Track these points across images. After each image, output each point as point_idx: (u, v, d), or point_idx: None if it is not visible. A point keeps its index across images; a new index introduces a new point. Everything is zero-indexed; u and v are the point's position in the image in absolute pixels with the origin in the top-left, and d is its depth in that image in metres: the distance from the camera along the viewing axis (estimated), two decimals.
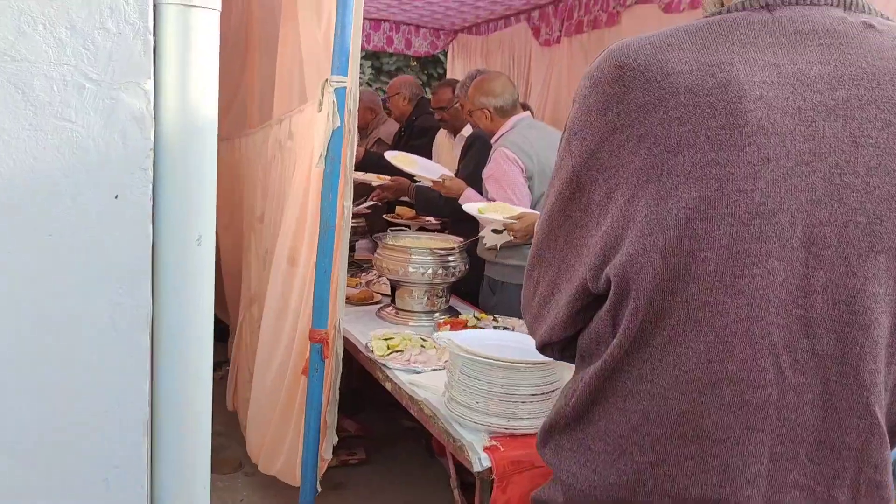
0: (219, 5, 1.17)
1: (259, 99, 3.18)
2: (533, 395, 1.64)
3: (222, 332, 3.73)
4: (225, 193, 3.46)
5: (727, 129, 0.75)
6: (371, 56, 8.87)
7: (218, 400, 3.58)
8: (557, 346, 0.93)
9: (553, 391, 1.67)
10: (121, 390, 1.08)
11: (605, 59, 0.82)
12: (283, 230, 2.36)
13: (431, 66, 9.45)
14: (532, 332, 0.96)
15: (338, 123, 2.05)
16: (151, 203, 1.11)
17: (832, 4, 0.82)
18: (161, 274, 1.15)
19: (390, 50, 6.71)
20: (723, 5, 0.91)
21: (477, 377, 1.65)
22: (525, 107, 4.76)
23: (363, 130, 4.50)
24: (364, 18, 6.17)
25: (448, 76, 7.18)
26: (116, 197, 1.06)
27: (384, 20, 6.29)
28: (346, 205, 2.17)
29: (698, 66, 0.77)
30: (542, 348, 0.95)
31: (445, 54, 7.23)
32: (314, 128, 2.19)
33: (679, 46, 0.79)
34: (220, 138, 3.38)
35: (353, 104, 2.13)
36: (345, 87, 2.06)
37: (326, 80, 2.06)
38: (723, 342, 0.77)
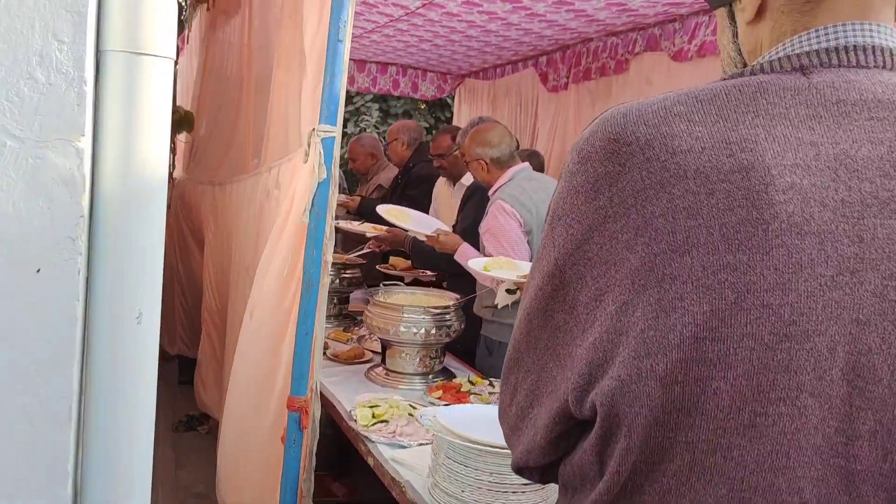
0: (173, 53, 1.04)
1: (253, 144, 3.08)
2: (525, 484, 1.47)
3: (191, 373, 3.58)
4: (219, 243, 3.35)
5: (749, 225, 0.60)
6: (378, 99, 8.84)
7: (204, 456, 3.42)
8: (536, 471, 0.77)
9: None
10: (34, 497, 0.93)
11: (598, 129, 0.67)
12: (255, 283, 2.23)
13: (439, 109, 9.41)
14: (509, 445, 0.80)
15: (324, 175, 1.93)
16: (83, 277, 0.97)
17: (884, 66, 0.66)
18: (93, 358, 1.00)
19: (396, 93, 6.67)
20: (745, 65, 0.77)
21: (464, 462, 1.49)
22: (535, 154, 4.67)
23: (364, 176, 4.41)
24: (371, 62, 6.20)
25: (455, 120, 7.12)
26: (38, 271, 0.92)
27: (391, 63, 6.25)
28: (328, 259, 2.04)
29: (712, 143, 0.62)
30: (519, 471, 0.79)
31: (453, 98, 7.18)
32: (297, 177, 2.07)
33: (689, 117, 0.64)
34: (215, 183, 3.27)
35: (336, 153, 2.01)
36: (333, 137, 1.94)
37: (314, 129, 1.93)
38: (739, 497, 0.60)
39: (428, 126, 9.06)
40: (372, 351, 2.77)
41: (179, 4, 4.00)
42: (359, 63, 6.16)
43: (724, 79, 0.69)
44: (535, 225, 2.55)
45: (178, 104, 4.49)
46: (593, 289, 0.66)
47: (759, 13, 0.72)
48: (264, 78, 2.85)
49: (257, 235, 2.52)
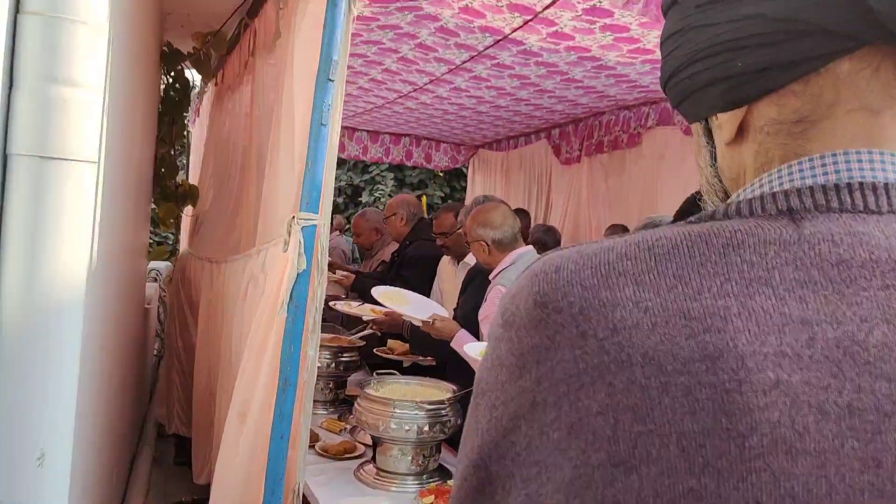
0: (94, 155, 0.93)
1: (253, 222, 2.99)
2: None
3: (188, 453, 3.41)
4: (211, 324, 3.23)
5: (717, 437, 0.43)
6: (394, 168, 8.85)
7: None
8: None
9: None
10: None
11: (525, 285, 0.52)
12: (238, 378, 2.08)
13: (455, 178, 9.40)
14: None
15: (303, 266, 1.80)
16: None
17: None
18: None
19: (410, 163, 6.64)
20: (727, 196, 0.60)
21: None
22: (552, 230, 4.55)
23: (368, 251, 4.30)
24: (384, 133, 6.18)
25: (469, 191, 7.06)
26: None
27: (404, 134, 6.24)
28: (310, 354, 1.90)
29: (667, 318, 0.46)
30: None
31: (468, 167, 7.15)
32: (283, 264, 1.95)
33: (637, 277, 0.48)
34: (213, 260, 3.15)
35: (324, 242, 1.89)
36: (314, 226, 1.82)
37: (294, 216, 1.82)
38: None
39: (443, 195, 9.03)
40: (364, 444, 2.60)
41: (187, 79, 4.01)
42: (372, 134, 6.16)
43: (690, 221, 0.52)
44: None
45: (186, 178, 4.47)
46: (523, 494, 0.50)
47: (741, 133, 0.56)
48: (264, 155, 2.77)
49: (242, 324, 2.39)
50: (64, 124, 0.88)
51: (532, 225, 4.91)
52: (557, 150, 5.33)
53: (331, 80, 1.81)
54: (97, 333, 1.71)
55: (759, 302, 0.46)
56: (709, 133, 0.61)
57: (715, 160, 0.61)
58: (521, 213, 4.77)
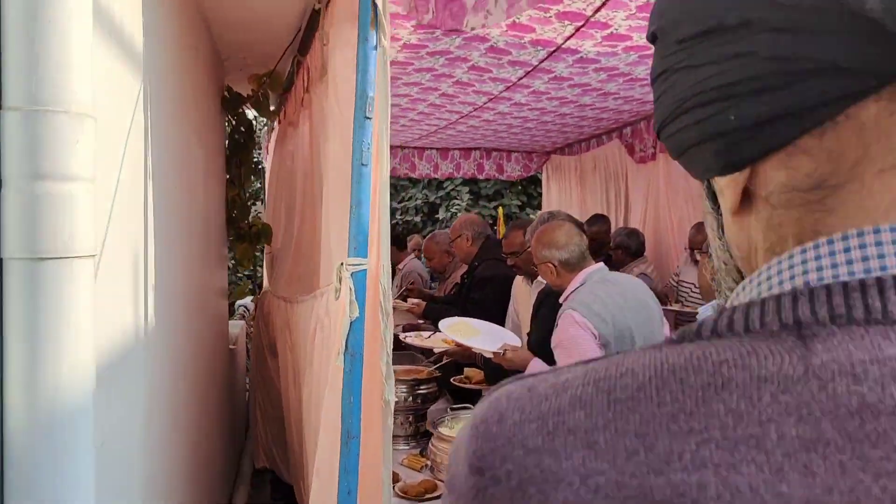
0: (93, 249, 0.89)
1: (318, 261, 2.98)
2: None
3: (282, 491, 3.43)
4: (292, 366, 3.23)
5: None
6: (468, 181, 8.79)
7: None
8: None
9: None
10: None
11: (465, 439, 0.41)
12: (321, 435, 2.03)
13: (532, 186, 9.23)
14: None
15: (356, 314, 1.73)
16: None
17: None
18: None
19: (482, 177, 6.56)
20: (742, 276, 0.46)
21: None
22: (635, 233, 4.35)
23: (441, 274, 4.23)
24: (453, 149, 6.11)
25: (544, 197, 6.90)
26: None
27: (474, 148, 6.16)
28: (388, 399, 1.83)
29: (622, 500, 0.34)
30: None
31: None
32: (340, 310, 1.89)
33: (589, 437, 0.36)
34: (288, 300, 3.13)
35: (385, 283, 1.82)
36: (364, 271, 1.76)
37: (342, 263, 1.76)
38: None
39: (520, 204, 8.89)
40: None
41: (250, 121, 4.07)
42: (441, 151, 6.13)
43: (671, 341, 0.39)
44: (613, 336, 2.24)
45: (258, 216, 4.54)
46: None
47: (747, 201, 0.43)
48: (321, 192, 2.75)
49: (312, 369, 2.36)
50: (56, 221, 0.84)
51: (613, 229, 4.72)
52: (631, 149, 5.13)
53: (368, 117, 1.74)
54: (165, 389, 1.71)
55: (746, 476, 0.32)
56: (714, 197, 0.47)
57: (723, 231, 0.47)
58: (601, 219, 4.59)
